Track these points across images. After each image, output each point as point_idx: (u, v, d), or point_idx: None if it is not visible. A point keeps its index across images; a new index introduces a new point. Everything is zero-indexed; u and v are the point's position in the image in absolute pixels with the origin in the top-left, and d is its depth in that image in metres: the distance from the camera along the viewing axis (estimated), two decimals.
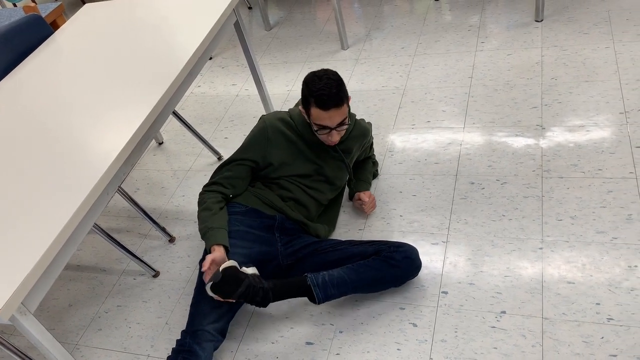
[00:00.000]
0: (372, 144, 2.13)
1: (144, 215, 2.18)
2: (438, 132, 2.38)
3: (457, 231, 1.95)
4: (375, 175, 2.21)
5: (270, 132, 1.83)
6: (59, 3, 2.76)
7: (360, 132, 1.97)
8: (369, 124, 2.05)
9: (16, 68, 2.04)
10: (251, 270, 1.67)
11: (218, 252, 1.65)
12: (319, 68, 3.01)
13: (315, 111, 1.69)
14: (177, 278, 2.08)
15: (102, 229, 1.96)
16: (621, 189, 1.92)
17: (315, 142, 1.87)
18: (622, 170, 1.98)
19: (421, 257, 1.87)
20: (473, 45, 2.84)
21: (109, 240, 1.98)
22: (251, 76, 3.05)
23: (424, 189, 2.14)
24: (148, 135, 1.64)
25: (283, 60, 3.19)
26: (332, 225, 2.03)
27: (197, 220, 1.86)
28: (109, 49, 1.98)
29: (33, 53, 2.11)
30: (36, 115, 1.73)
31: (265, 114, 1.91)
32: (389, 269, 1.70)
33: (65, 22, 2.64)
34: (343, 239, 1.86)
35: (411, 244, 1.92)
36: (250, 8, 3.86)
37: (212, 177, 1.87)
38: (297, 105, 1.90)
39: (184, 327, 1.88)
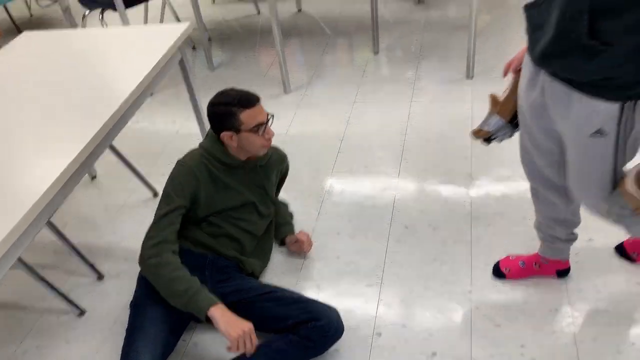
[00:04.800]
0: (287, 172, 2.13)
1: (72, 251, 2.09)
2: (375, 177, 2.46)
3: (392, 274, 1.99)
4: (291, 216, 2.22)
5: (197, 172, 1.76)
6: None
7: (279, 157, 2.01)
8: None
9: None
10: None
11: (230, 314, 1.58)
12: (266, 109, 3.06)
13: (245, 114, 1.70)
14: (104, 318, 1.99)
15: (26, 264, 1.86)
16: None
17: (237, 171, 1.84)
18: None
19: (355, 298, 1.90)
20: (409, 97, 2.99)
21: (32, 275, 1.88)
22: (192, 114, 3.05)
23: (361, 232, 2.19)
24: (82, 169, 1.59)
25: None
26: (266, 259, 2.03)
27: (146, 271, 1.67)
28: (47, 79, 1.93)
29: None
30: None
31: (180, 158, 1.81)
32: (307, 350, 1.65)
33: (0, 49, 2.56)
34: (275, 285, 1.82)
35: (346, 285, 1.95)
36: (194, 48, 3.89)
37: (154, 234, 1.69)
38: (202, 145, 1.82)
39: None
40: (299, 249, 2.09)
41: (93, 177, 2.72)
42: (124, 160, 2.44)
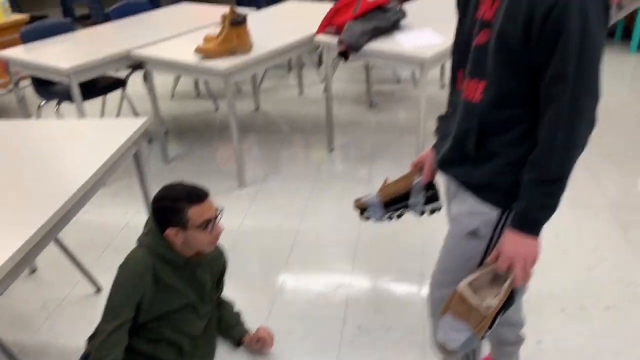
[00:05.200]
0: (226, 268, 2.01)
1: (1, 352, 1.93)
2: (328, 274, 2.44)
3: None
4: (238, 315, 2.09)
5: (143, 277, 1.65)
6: None
7: (217, 252, 1.94)
8: None
9: None
10: None
11: None
12: (215, 203, 3.05)
13: (194, 210, 1.63)
14: None
15: None
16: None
17: (180, 270, 1.74)
18: None
19: None
20: (362, 194, 3.06)
21: None
22: (143, 206, 3.00)
23: (313, 332, 2.13)
24: (22, 264, 1.51)
25: None
26: (211, 358, 1.92)
27: None
28: None
29: None
30: None
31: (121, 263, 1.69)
32: None
33: None
34: None
35: None
36: (150, 141, 3.91)
37: (104, 354, 1.59)
38: (145, 244, 1.71)
39: None
40: (262, 348, 1.99)
41: (33, 271, 2.59)
42: (67, 253, 2.34)
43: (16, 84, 3.40)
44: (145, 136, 3.94)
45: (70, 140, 2.06)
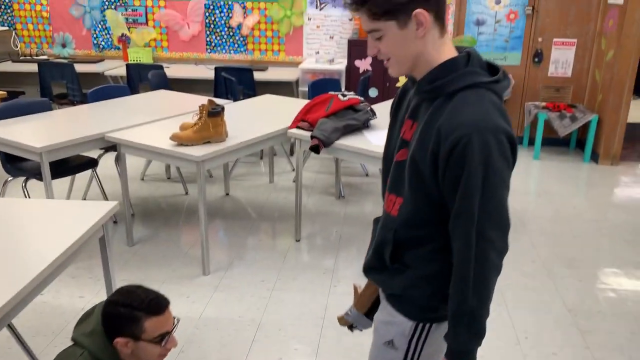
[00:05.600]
0: None
1: None
2: None
3: None
4: None
5: None
6: None
7: None
8: None
9: None
10: None
11: None
12: (177, 290, 3.00)
13: (151, 323, 1.49)
14: None
15: None
16: None
17: None
18: None
19: None
20: (327, 287, 3.05)
21: None
22: (102, 289, 2.92)
23: None
24: None
25: (141, 277, 3.13)
26: None
27: None
28: None
29: None
30: None
31: None
32: None
33: None
34: None
35: None
36: (115, 222, 3.87)
37: None
38: (86, 347, 1.50)
39: None
40: None
41: None
42: (18, 338, 2.23)
43: None
44: (112, 217, 3.90)
45: (36, 221, 2.04)
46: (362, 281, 1.55)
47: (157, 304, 1.51)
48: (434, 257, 1.30)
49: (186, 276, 3.15)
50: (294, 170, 4.96)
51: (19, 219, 2.05)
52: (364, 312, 1.59)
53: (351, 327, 1.66)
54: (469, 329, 1.24)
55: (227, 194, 4.39)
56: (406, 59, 1.24)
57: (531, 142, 5.66)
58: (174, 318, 1.58)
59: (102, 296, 2.90)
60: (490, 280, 1.22)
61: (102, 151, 4.02)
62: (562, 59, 5.47)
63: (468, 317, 1.23)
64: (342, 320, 1.65)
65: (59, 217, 2.07)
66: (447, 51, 1.25)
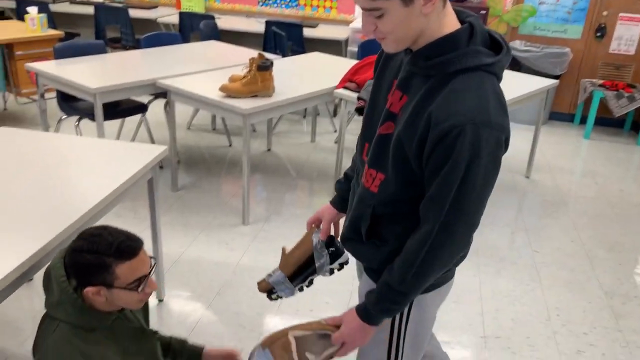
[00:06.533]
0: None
1: None
2: None
3: None
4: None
5: None
6: None
7: None
8: None
9: None
10: None
11: None
12: (217, 236, 3.10)
13: (123, 269, 1.30)
14: None
15: None
16: None
17: (105, 331, 1.40)
18: None
19: None
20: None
21: None
22: (146, 231, 3.04)
23: None
24: (27, 274, 1.55)
25: (183, 222, 3.24)
26: None
27: None
28: (12, 177, 1.94)
29: None
30: None
31: None
32: None
33: None
34: None
35: None
36: (161, 167, 3.98)
37: None
38: (62, 319, 1.34)
39: None
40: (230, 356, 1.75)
41: (29, 280, 2.61)
42: None
43: (42, 95, 3.50)
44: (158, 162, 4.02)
45: (88, 158, 2.13)
46: None
47: (127, 247, 1.31)
48: (408, 234, 1.25)
49: (226, 224, 3.25)
50: (335, 131, 4.96)
51: (72, 156, 2.14)
52: (288, 274, 1.50)
53: (270, 294, 1.53)
54: (386, 303, 1.25)
55: (269, 150, 4.45)
56: (407, 36, 1.14)
57: (583, 121, 5.48)
58: (151, 258, 1.40)
59: (147, 236, 3.03)
60: (433, 272, 1.21)
61: (152, 97, 4.12)
62: (626, 36, 5.21)
63: (393, 294, 1.23)
64: (262, 285, 1.53)
65: (111, 157, 2.15)
66: (449, 23, 1.14)
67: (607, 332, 2.54)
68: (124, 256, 1.31)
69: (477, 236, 3.47)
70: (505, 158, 4.84)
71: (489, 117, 1.08)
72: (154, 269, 1.39)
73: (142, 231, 3.08)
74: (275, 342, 1.31)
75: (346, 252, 1.49)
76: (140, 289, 1.35)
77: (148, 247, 2.91)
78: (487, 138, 1.08)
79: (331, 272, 1.52)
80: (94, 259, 1.29)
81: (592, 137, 5.25)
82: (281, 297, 1.53)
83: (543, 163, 4.51)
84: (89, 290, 1.30)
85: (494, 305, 2.66)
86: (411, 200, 1.23)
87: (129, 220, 3.21)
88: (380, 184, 1.27)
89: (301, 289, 1.53)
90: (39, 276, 2.63)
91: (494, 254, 3.12)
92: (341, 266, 1.53)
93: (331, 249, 1.49)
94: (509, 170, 4.30)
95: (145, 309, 1.62)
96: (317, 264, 1.49)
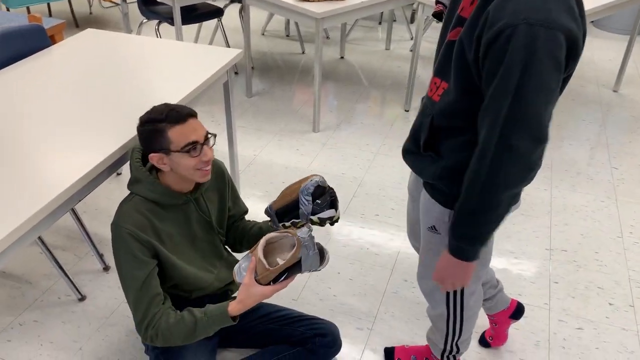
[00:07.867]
0: (231, 181, 1.76)
1: (85, 238, 2.18)
2: (384, 227, 2.54)
3: (383, 321, 2.05)
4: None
5: (145, 230, 1.47)
6: (61, 21, 2.86)
7: (217, 168, 1.70)
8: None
9: (5, 68, 2.09)
10: None
11: (246, 298, 1.43)
12: (289, 142, 3.20)
13: (175, 132, 1.43)
14: (102, 306, 2.06)
15: (43, 242, 1.95)
16: (535, 316, 2.09)
17: (178, 211, 1.55)
18: (538, 299, 2.17)
19: (343, 339, 1.95)
20: None
21: (46, 253, 1.97)
22: (222, 134, 3.18)
23: (361, 276, 2.25)
24: (115, 165, 1.69)
25: (257, 127, 3.35)
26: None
27: (159, 346, 1.52)
28: (99, 75, 2.07)
29: (26, 59, 2.17)
30: (11, 119, 1.78)
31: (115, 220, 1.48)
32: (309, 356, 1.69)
33: (62, 40, 2.73)
34: (271, 304, 1.80)
35: (337, 324, 2.01)
36: (236, 73, 4.07)
37: (140, 317, 1.46)
38: (137, 192, 1.51)
39: (97, 356, 1.85)
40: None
41: (118, 173, 2.84)
42: None
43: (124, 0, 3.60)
44: (233, 67, 4.11)
45: (168, 59, 2.22)
46: None
47: (177, 112, 1.45)
48: (466, 148, 1.21)
49: (297, 131, 3.33)
50: (412, 38, 4.80)
51: (153, 57, 2.24)
52: (275, 209, 1.52)
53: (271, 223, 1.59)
54: (468, 230, 1.21)
55: (342, 57, 4.40)
56: None
57: None
58: (208, 133, 1.50)
59: (223, 138, 3.18)
60: (500, 190, 1.13)
61: (227, 1, 4.13)
62: None
63: (470, 217, 1.19)
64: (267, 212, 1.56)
65: (189, 59, 2.23)
66: None
67: None
68: (174, 120, 1.44)
69: (553, 150, 3.37)
70: (592, 69, 4.56)
71: (547, 15, 1.01)
72: (209, 141, 1.50)
73: (219, 134, 3.23)
74: (257, 247, 1.41)
75: (335, 209, 1.51)
76: (194, 154, 1.46)
77: (224, 149, 3.06)
78: (544, 37, 1.00)
79: (320, 223, 1.51)
80: (151, 127, 1.45)
81: None
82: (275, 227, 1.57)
83: (635, 76, 4.19)
84: (153, 157, 1.46)
85: (564, 219, 2.63)
86: (469, 112, 1.19)
87: (207, 123, 3.36)
88: (442, 93, 1.25)
89: (284, 226, 1.54)
90: (127, 170, 2.86)
91: (570, 168, 3.03)
92: (331, 222, 1.52)
93: (318, 199, 1.50)
94: (596, 83, 4.04)
95: (236, 206, 1.77)
96: (300, 210, 1.51)
